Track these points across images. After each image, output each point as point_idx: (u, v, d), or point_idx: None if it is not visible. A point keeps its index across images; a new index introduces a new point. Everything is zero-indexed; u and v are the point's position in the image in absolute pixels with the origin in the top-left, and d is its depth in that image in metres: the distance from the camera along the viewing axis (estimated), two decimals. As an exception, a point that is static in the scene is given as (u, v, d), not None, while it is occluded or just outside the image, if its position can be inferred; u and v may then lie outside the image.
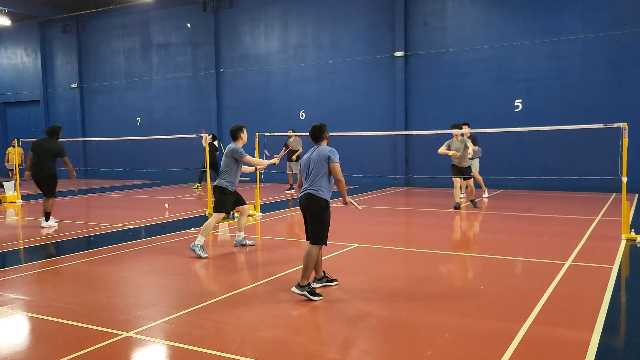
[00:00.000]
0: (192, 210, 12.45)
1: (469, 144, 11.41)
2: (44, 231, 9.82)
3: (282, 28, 19.60)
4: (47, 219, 10.11)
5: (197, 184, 17.66)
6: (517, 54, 15.89)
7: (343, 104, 18.36)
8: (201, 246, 7.35)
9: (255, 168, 8.25)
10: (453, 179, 11.76)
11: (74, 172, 10.53)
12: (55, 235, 9.43)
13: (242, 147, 7.64)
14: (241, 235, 8.05)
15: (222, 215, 7.70)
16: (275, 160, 8.17)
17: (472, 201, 11.91)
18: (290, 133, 14.96)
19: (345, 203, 5.64)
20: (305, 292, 5.31)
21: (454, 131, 11.59)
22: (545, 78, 15.58)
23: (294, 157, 15.79)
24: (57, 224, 10.26)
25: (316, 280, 5.73)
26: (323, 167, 5.40)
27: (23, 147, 20.11)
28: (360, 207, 5.81)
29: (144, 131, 21.35)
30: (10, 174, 20.57)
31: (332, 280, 5.85)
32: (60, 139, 10.39)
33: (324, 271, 5.84)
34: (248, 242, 8.11)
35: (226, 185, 7.55)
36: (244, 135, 7.67)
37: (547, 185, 15.26)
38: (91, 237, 9.28)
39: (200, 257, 7.28)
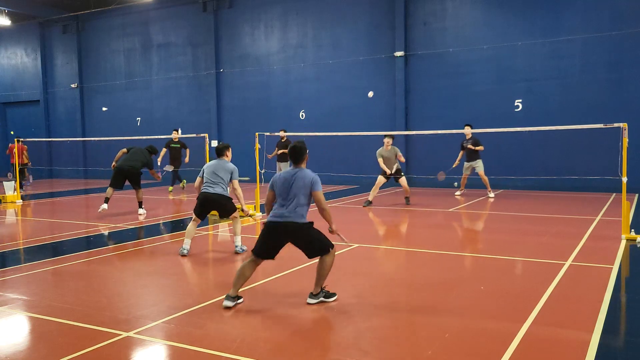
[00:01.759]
0: (192, 210, 12.42)
1: (399, 153, 12.61)
2: (141, 217, 11.29)
3: (282, 28, 19.60)
4: (140, 207, 11.78)
5: (181, 185, 17.12)
6: (517, 54, 15.88)
7: (343, 104, 18.35)
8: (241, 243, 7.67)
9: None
10: (379, 178, 12.68)
11: (159, 178, 12.48)
12: (55, 235, 9.43)
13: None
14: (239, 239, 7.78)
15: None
16: (246, 210, 8.16)
17: (406, 198, 12.87)
18: (281, 133, 14.85)
19: (332, 231, 5.39)
20: (321, 299, 5.24)
21: (385, 140, 12.51)
22: (545, 78, 15.58)
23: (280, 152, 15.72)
24: (145, 212, 11.79)
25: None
26: (305, 195, 5.17)
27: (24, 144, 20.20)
28: (346, 240, 5.62)
29: (144, 131, 21.34)
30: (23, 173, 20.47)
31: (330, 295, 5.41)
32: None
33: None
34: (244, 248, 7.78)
35: (229, 195, 7.75)
36: (229, 154, 7.91)
37: (547, 185, 15.26)
38: (91, 237, 9.28)
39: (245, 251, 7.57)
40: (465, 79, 16.59)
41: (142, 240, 9.11)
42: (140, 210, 11.74)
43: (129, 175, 11.57)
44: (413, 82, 17.42)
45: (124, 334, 4.46)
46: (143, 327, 4.62)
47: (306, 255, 5.31)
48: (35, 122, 25.60)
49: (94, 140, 21.76)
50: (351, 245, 7.85)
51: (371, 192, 12.65)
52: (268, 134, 13.28)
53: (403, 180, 12.71)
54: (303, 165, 5.33)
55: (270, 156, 15.47)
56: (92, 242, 8.89)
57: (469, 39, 16.53)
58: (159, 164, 16.12)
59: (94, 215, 11.57)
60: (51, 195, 17.23)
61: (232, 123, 20.52)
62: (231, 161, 7.86)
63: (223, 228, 10.04)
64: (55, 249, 8.32)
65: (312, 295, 5.26)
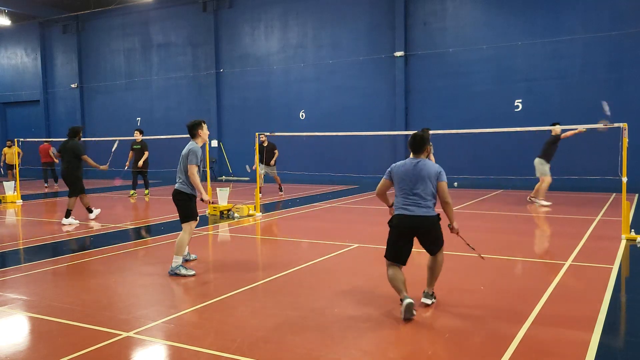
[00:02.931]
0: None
1: (432, 155, 12.46)
2: (65, 228, 9.99)
3: (282, 28, 19.60)
4: (67, 216, 10.31)
5: (133, 191, 15.69)
6: (517, 54, 15.89)
7: (343, 104, 18.36)
8: (182, 266, 6.42)
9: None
10: None
11: (101, 167, 10.93)
12: (55, 235, 9.43)
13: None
14: (179, 260, 6.45)
15: (195, 224, 6.68)
16: (208, 199, 6.76)
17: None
18: (262, 137, 14.56)
19: (452, 229, 5.11)
20: (434, 299, 5.17)
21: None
22: (545, 78, 15.59)
23: (272, 161, 15.10)
24: (77, 222, 10.39)
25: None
26: (431, 185, 4.90)
27: (21, 146, 20.15)
28: (472, 247, 5.42)
29: (144, 131, 21.30)
30: (9, 173, 20.49)
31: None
32: (63, 139, 10.62)
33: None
34: (185, 272, 6.40)
35: (190, 192, 6.64)
36: (203, 132, 6.64)
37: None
38: (91, 237, 9.27)
39: (187, 277, 6.32)
40: (465, 79, 16.59)
41: (142, 240, 9.11)
42: (65, 221, 10.25)
43: (65, 178, 10.33)
44: (413, 82, 17.42)
45: (124, 334, 4.46)
46: (143, 327, 4.62)
47: (429, 251, 5.10)
48: (35, 122, 25.61)
49: (94, 140, 21.74)
50: (351, 245, 7.85)
51: None
52: (268, 134, 13.27)
53: None
54: (424, 156, 5.06)
55: (254, 167, 15.19)
56: (92, 242, 8.89)
57: (469, 39, 16.54)
58: (126, 165, 15.33)
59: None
60: (51, 195, 17.23)
61: (232, 123, 20.51)
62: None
63: (223, 228, 10.04)
64: (55, 249, 8.32)
65: (427, 295, 5.15)
